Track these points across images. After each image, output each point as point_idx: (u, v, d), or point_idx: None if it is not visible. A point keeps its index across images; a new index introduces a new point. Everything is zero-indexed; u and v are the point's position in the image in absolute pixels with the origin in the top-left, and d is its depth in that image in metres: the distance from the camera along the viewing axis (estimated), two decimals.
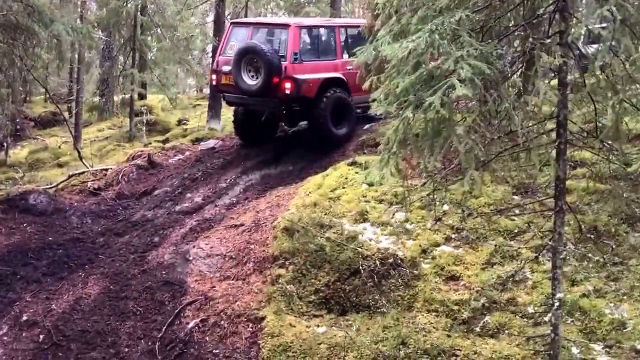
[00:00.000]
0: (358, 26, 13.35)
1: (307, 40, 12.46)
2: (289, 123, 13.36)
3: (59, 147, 17.07)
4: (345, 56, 12.48)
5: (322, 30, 12.72)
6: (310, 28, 12.57)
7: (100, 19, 17.60)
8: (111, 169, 13.06)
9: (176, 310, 8.30)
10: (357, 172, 10.01)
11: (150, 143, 15.29)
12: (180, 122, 17.57)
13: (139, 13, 17.06)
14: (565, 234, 8.32)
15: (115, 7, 16.49)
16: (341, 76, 12.33)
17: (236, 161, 12.33)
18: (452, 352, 7.11)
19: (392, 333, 7.41)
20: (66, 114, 18.47)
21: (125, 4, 16.47)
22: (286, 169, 11.68)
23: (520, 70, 5.06)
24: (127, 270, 9.21)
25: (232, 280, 8.65)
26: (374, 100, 12.53)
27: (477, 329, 7.47)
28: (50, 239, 10.36)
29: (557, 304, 5.29)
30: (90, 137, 17.53)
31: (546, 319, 5.46)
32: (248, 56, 11.69)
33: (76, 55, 17.64)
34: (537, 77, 4.55)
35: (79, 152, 14.19)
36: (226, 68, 12.15)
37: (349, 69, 12.31)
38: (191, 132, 14.89)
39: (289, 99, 11.76)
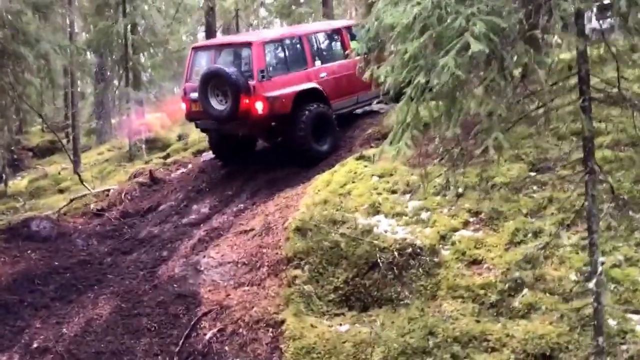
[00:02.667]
0: (328, 31, 12.97)
1: (273, 54, 11.74)
2: (268, 139, 12.71)
3: (59, 173, 16.79)
4: (318, 63, 12.01)
5: (287, 42, 11.95)
6: (274, 41, 11.81)
7: (90, 40, 17.32)
8: (113, 189, 12.78)
9: (192, 322, 7.98)
10: (366, 166, 9.70)
11: (151, 160, 15.00)
12: (180, 138, 17.28)
13: (129, 32, 16.81)
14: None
15: (104, 28, 16.25)
16: (316, 86, 11.70)
17: (240, 168, 12.01)
18: (484, 337, 6.76)
19: (418, 324, 7.07)
20: (64, 141, 18.21)
21: (114, 24, 16.21)
22: (292, 170, 11.32)
23: (535, 24, 4.71)
24: (137, 287, 8.91)
25: (247, 286, 8.33)
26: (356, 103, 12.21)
27: (507, 311, 7.13)
28: (56, 263, 10.05)
29: (599, 269, 4.94)
30: (90, 162, 17.29)
31: (590, 285, 5.07)
32: (213, 81, 11.01)
33: (69, 80, 17.40)
34: (557, 28, 4.24)
35: (79, 176, 13.91)
36: (194, 95, 11.43)
37: (324, 77, 11.91)
38: (192, 145, 14.58)
39: (263, 119, 11.10)
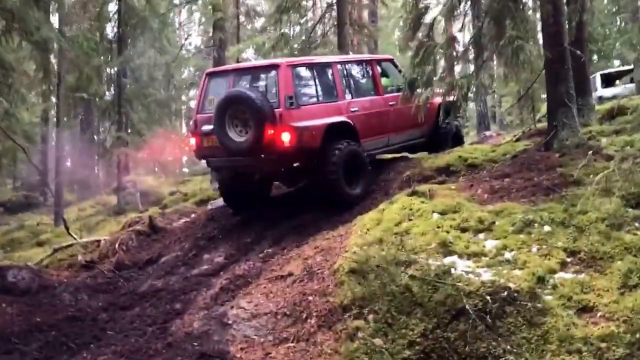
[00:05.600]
0: (360, 62, 11.69)
1: (302, 80, 10.24)
2: (289, 183, 11.19)
3: (37, 224, 14.81)
4: (348, 96, 10.60)
5: (317, 69, 10.48)
6: (303, 66, 10.36)
7: (79, 81, 15.60)
8: (104, 239, 10.95)
9: None
10: (422, 202, 8.15)
11: (146, 210, 13.22)
12: (173, 194, 15.59)
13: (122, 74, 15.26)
14: None
15: (96, 67, 14.58)
16: (347, 120, 10.22)
17: (256, 215, 10.34)
18: None
19: None
20: (41, 198, 16.34)
21: (108, 62, 14.68)
22: (321, 215, 9.71)
23: None
24: (146, 346, 7.02)
25: (292, 342, 6.54)
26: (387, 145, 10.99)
27: None
28: (38, 319, 8.12)
29: None
30: (73, 217, 15.34)
31: None
32: (232, 107, 9.44)
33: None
34: None
35: (64, 222, 11.99)
36: (207, 128, 9.87)
37: (355, 111, 10.47)
38: (193, 195, 12.88)
39: (289, 152, 9.47)
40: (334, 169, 9.69)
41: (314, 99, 10.13)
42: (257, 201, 10.78)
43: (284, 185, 11.20)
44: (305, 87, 10.22)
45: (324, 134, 9.72)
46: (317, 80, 10.32)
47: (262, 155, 9.50)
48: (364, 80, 11.35)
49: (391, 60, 12.12)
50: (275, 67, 9.86)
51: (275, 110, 9.37)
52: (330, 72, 10.54)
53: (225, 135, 9.49)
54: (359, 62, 11.53)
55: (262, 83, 10.08)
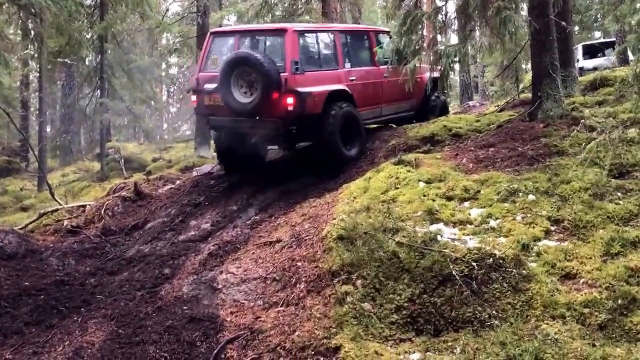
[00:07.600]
0: (359, 32, 11.79)
1: (307, 47, 10.34)
2: (286, 145, 11.24)
3: (21, 189, 14.74)
4: (347, 65, 10.71)
5: (321, 35, 10.66)
6: (309, 32, 10.51)
7: (60, 45, 15.40)
8: (90, 205, 10.95)
9: (214, 352, 6.21)
10: (409, 171, 8.27)
11: (131, 176, 13.21)
12: (156, 160, 15.54)
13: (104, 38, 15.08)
14: None
15: (77, 30, 14.42)
16: (346, 88, 10.40)
17: (244, 181, 10.41)
18: None
19: (516, 349, 5.50)
20: (23, 164, 16.21)
21: (89, 28, 14.50)
22: (308, 182, 9.81)
23: None
24: (136, 310, 7.10)
25: (282, 306, 6.65)
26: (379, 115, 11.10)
27: (622, 333, 5.69)
28: (26, 284, 8.16)
29: None
30: (55, 183, 15.27)
31: None
32: (240, 68, 9.56)
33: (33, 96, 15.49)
34: None
35: (49, 187, 11.95)
36: (209, 86, 10.01)
37: (353, 80, 10.60)
38: (177, 162, 12.88)
39: (292, 117, 9.64)
40: (332, 130, 9.90)
41: (317, 66, 10.29)
42: (252, 163, 10.86)
43: (280, 148, 11.33)
44: (310, 53, 10.36)
45: (325, 101, 9.89)
46: (320, 47, 10.50)
47: (265, 118, 9.68)
48: (361, 51, 11.48)
49: (387, 33, 12.21)
50: (282, 31, 9.99)
51: (281, 74, 9.52)
52: (332, 39, 10.69)
53: (229, 95, 9.64)
54: (358, 32, 11.65)
55: (267, 46, 10.20)
